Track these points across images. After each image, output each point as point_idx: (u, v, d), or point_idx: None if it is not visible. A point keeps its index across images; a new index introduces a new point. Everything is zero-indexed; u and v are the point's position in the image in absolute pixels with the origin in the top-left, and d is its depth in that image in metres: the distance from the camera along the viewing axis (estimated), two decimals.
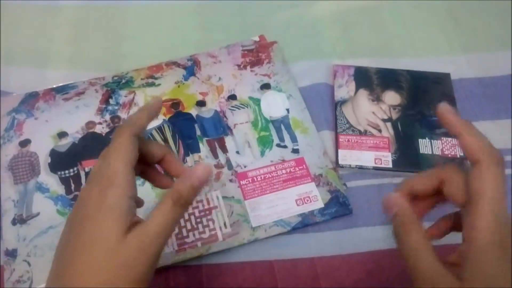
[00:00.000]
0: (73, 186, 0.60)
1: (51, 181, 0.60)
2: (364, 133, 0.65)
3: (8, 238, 0.56)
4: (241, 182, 0.60)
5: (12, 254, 0.55)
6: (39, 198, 0.59)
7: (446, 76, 0.70)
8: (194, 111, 0.65)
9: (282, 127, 0.65)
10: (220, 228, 0.57)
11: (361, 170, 0.63)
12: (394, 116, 0.66)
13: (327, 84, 0.70)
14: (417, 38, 0.76)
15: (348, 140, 0.64)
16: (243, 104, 0.66)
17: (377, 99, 0.68)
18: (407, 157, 0.63)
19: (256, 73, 0.69)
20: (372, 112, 0.67)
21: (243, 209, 0.58)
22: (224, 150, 0.63)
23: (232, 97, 0.67)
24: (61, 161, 0.61)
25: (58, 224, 0.57)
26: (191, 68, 0.69)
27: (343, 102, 0.68)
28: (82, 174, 0.61)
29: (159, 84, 0.68)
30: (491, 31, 0.77)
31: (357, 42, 0.75)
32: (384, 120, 0.66)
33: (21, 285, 0.54)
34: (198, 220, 0.58)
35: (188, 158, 0.62)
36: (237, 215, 0.58)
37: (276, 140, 0.64)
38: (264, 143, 0.63)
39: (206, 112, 0.66)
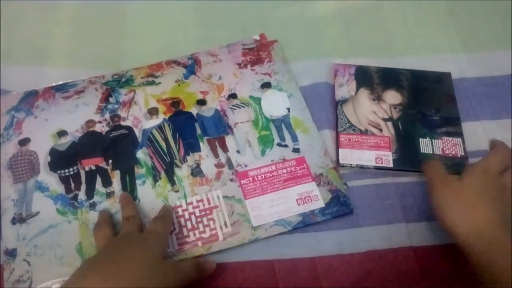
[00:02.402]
0: (72, 185, 0.60)
1: (51, 180, 0.60)
2: (365, 132, 0.65)
3: (7, 237, 0.56)
4: (241, 181, 0.60)
5: (11, 253, 0.55)
6: (38, 197, 0.59)
7: (447, 75, 0.70)
8: (194, 110, 0.65)
9: (283, 126, 0.64)
10: (221, 227, 0.57)
11: (362, 169, 0.62)
12: (395, 115, 0.66)
13: (327, 84, 0.70)
14: (418, 37, 0.76)
15: (349, 140, 0.64)
16: (243, 103, 0.66)
17: (378, 98, 0.67)
18: (408, 157, 0.63)
19: (256, 72, 0.69)
20: (373, 111, 0.66)
21: (244, 208, 0.58)
22: (225, 149, 0.62)
23: (233, 96, 0.67)
24: (61, 160, 0.61)
25: (58, 223, 0.57)
26: (191, 66, 0.69)
27: (344, 101, 0.67)
28: (82, 173, 0.60)
29: (159, 83, 0.67)
30: (492, 30, 0.77)
31: (358, 41, 0.75)
32: (385, 120, 0.66)
33: (21, 284, 0.54)
34: (199, 219, 0.58)
35: (188, 157, 0.62)
36: (237, 214, 0.58)
37: (276, 140, 0.63)
38: (265, 142, 0.63)
39: (207, 111, 0.65)
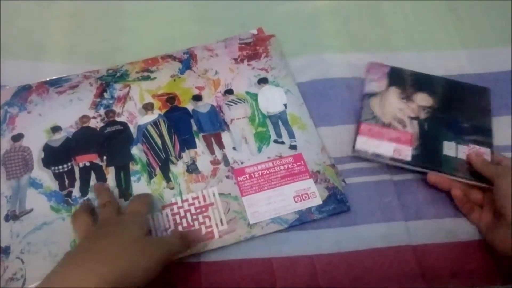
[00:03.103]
0: (66, 181, 0.59)
1: (45, 177, 0.59)
2: (388, 125, 0.64)
3: (1, 235, 0.56)
4: (238, 178, 0.59)
5: (5, 251, 0.55)
6: (32, 194, 0.58)
7: (485, 90, 0.68)
8: (190, 106, 0.64)
9: (280, 122, 0.64)
10: (217, 225, 0.57)
11: (377, 158, 0.62)
12: (422, 116, 0.65)
13: (326, 79, 0.69)
14: (417, 33, 0.75)
15: (370, 130, 0.63)
16: (240, 99, 0.65)
17: (408, 98, 0.66)
18: (429, 155, 0.62)
19: (253, 67, 0.68)
20: (400, 108, 0.65)
21: (240, 206, 0.58)
22: (221, 146, 0.62)
23: (229, 91, 0.66)
24: (55, 156, 0.60)
25: (52, 220, 0.56)
26: (187, 61, 0.68)
27: (373, 95, 0.66)
28: (76, 169, 0.60)
29: (154, 78, 0.66)
30: (492, 26, 0.76)
31: (356, 37, 0.74)
32: (411, 118, 0.64)
33: (14, 282, 0.53)
34: (194, 217, 0.57)
35: (184, 154, 0.61)
36: (233, 212, 0.57)
37: (273, 136, 0.63)
38: (261, 139, 0.62)
39: (203, 107, 0.64)
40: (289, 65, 0.69)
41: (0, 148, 0.61)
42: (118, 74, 0.66)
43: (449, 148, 0.62)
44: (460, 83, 0.68)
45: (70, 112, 0.63)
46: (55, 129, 0.62)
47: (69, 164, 0.60)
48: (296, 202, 0.58)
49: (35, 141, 0.61)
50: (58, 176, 0.59)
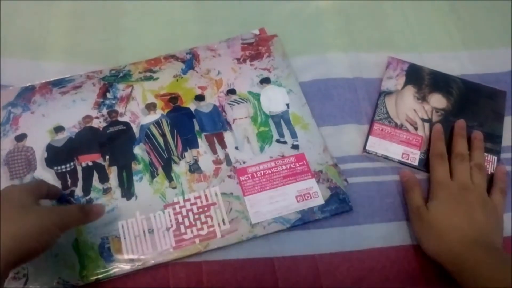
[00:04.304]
0: (69, 181, 0.59)
1: (48, 176, 0.59)
2: (400, 127, 0.65)
3: None
4: (240, 178, 0.59)
5: None
6: None
7: (502, 93, 0.68)
8: (192, 106, 0.64)
9: (282, 122, 0.64)
10: (219, 224, 0.57)
11: (385, 160, 0.63)
12: (435, 118, 0.65)
13: (328, 79, 0.69)
14: (419, 33, 0.75)
15: (382, 130, 0.64)
16: (242, 99, 0.65)
17: (423, 98, 0.67)
18: None
19: (255, 67, 0.68)
20: (414, 109, 0.66)
21: (242, 205, 0.58)
22: (223, 145, 0.62)
23: (231, 91, 0.66)
24: (58, 156, 0.61)
25: None
26: (189, 61, 0.68)
27: (388, 93, 0.67)
28: (79, 169, 0.60)
29: (157, 78, 0.66)
30: (493, 27, 0.76)
31: (358, 36, 0.74)
32: (424, 120, 0.65)
33: (16, 282, 0.53)
34: (196, 216, 0.57)
35: (186, 154, 0.61)
36: (235, 211, 0.57)
37: (275, 136, 0.63)
38: (264, 138, 0.62)
39: (205, 107, 0.65)
40: (292, 65, 0.69)
41: (3, 148, 0.61)
42: (121, 75, 0.67)
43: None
44: (477, 85, 0.68)
45: (73, 112, 0.64)
46: (58, 129, 0.62)
47: (72, 164, 0.60)
48: (298, 201, 0.58)
49: (38, 141, 0.61)
50: (61, 176, 0.59)
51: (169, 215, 0.57)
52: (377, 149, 0.63)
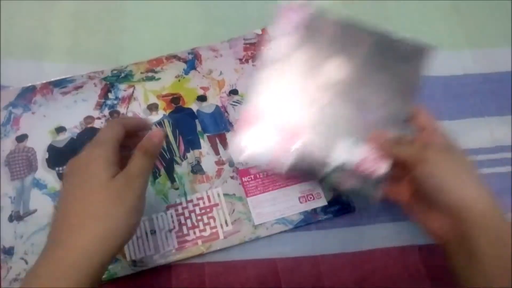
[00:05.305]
0: None
1: (49, 177, 0.59)
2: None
3: (4, 235, 0.56)
4: (243, 179, 0.59)
5: (9, 252, 0.54)
6: (36, 195, 0.58)
7: (423, 51, 0.51)
8: (194, 106, 0.64)
9: None
10: (221, 225, 0.56)
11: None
12: (326, 97, 0.49)
13: None
14: (422, 32, 0.74)
15: (247, 120, 0.50)
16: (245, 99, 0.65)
17: (316, 68, 0.49)
18: (309, 164, 0.50)
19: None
20: (300, 88, 0.50)
21: (245, 206, 0.57)
22: (226, 146, 0.61)
23: (234, 92, 0.65)
24: (59, 156, 0.60)
25: None
26: (192, 62, 0.68)
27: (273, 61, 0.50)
28: (77, 167, 0.59)
29: (159, 78, 0.66)
30: (497, 26, 0.76)
31: None
32: (308, 103, 0.50)
33: (18, 283, 0.53)
34: (199, 218, 0.57)
35: (188, 155, 0.61)
36: (238, 212, 0.57)
37: None
38: None
39: (207, 107, 0.64)
40: None
41: (3, 149, 0.60)
42: (123, 75, 0.66)
43: (341, 151, 0.49)
44: (393, 40, 0.52)
45: (74, 113, 0.63)
46: (60, 129, 0.62)
47: None
48: (301, 202, 0.58)
49: (40, 141, 0.61)
50: (62, 177, 0.59)
51: (172, 216, 0.57)
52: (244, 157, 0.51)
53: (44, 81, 0.65)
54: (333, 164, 0.48)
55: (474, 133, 0.65)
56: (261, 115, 0.48)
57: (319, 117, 0.48)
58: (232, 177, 0.59)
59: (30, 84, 0.65)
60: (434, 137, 0.49)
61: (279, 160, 0.48)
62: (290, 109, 0.49)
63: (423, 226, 0.49)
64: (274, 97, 0.49)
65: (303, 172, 0.50)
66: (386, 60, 0.49)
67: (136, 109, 0.64)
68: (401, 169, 0.48)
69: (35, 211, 0.57)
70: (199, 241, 0.55)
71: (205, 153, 0.61)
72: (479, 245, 0.42)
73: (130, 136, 0.48)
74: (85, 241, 0.40)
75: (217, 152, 0.61)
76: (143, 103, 0.64)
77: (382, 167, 0.48)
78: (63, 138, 0.61)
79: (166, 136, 0.62)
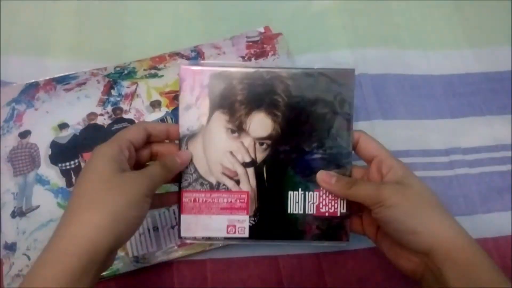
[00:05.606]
0: (74, 178, 0.59)
1: (52, 173, 0.59)
2: (217, 187, 0.47)
3: (7, 231, 0.56)
4: None
5: (11, 247, 0.55)
6: (39, 191, 0.58)
7: (347, 75, 0.46)
8: None
9: None
10: None
11: (209, 241, 0.51)
12: (260, 156, 0.47)
13: None
14: (423, 31, 0.75)
15: (195, 200, 0.48)
16: None
17: (239, 128, 0.47)
18: (270, 221, 0.48)
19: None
20: (230, 151, 0.47)
21: None
22: None
23: None
24: (62, 153, 0.60)
25: (59, 217, 0.55)
26: (194, 59, 0.68)
27: (191, 136, 0.47)
28: (83, 166, 0.60)
29: (162, 76, 0.66)
30: (499, 25, 0.76)
31: (363, 34, 0.74)
32: (245, 165, 0.47)
33: (20, 279, 0.53)
34: None
35: None
36: None
37: None
38: None
39: None
40: (296, 63, 0.69)
41: (6, 145, 0.60)
42: (126, 72, 0.66)
43: (295, 202, 0.47)
44: (310, 73, 0.46)
45: (77, 109, 0.63)
46: (62, 126, 0.62)
47: (76, 161, 0.60)
48: None
49: (42, 138, 0.61)
50: (65, 173, 0.59)
51: (174, 213, 0.57)
52: (195, 232, 0.48)
53: (47, 78, 0.65)
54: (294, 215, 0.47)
55: (475, 131, 0.66)
56: (206, 196, 0.48)
57: (260, 179, 0.47)
58: None
59: (33, 81, 0.65)
60: (385, 170, 0.46)
61: (236, 228, 0.48)
62: (228, 177, 0.48)
63: (394, 264, 0.47)
64: (211, 169, 0.48)
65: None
66: (310, 97, 0.46)
67: (139, 106, 0.64)
68: (359, 204, 0.46)
69: (37, 207, 0.57)
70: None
71: None
72: (448, 281, 0.40)
73: (157, 141, 0.49)
74: (77, 228, 0.39)
75: None
76: (146, 100, 0.64)
77: (341, 206, 0.48)
78: (66, 134, 0.61)
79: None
